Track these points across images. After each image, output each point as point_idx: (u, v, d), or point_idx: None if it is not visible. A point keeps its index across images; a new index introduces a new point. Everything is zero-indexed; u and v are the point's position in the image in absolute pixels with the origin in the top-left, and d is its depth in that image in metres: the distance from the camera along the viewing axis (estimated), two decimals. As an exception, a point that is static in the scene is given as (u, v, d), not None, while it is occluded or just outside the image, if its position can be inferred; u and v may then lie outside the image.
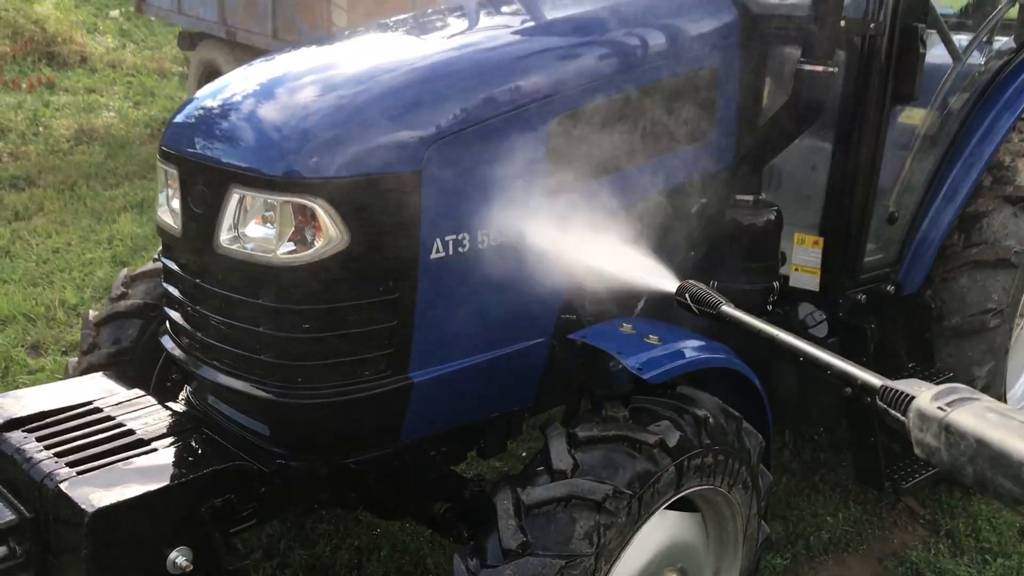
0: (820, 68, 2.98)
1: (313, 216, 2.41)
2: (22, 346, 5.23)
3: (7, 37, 13.45)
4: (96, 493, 2.22)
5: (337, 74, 2.71)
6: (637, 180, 3.10)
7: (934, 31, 3.46)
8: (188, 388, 2.98)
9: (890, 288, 3.64)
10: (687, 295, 2.66)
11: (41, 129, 9.71)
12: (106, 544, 2.19)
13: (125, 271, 3.59)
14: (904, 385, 1.44)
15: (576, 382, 2.81)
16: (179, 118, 2.76)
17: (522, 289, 2.83)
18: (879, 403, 1.47)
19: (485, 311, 2.76)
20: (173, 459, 2.42)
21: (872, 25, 3.13)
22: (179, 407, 2.90)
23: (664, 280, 2.81)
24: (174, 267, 2.75)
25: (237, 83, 2.77)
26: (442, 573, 3.49)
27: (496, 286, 2.76)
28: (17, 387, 4.79)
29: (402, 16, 3.63)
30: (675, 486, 2.42)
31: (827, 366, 1.96)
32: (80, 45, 13.71)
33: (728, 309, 2.49)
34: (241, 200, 2.48)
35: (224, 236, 2.52)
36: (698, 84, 3.19)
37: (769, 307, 3.29)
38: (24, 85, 9.42)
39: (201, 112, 2.70)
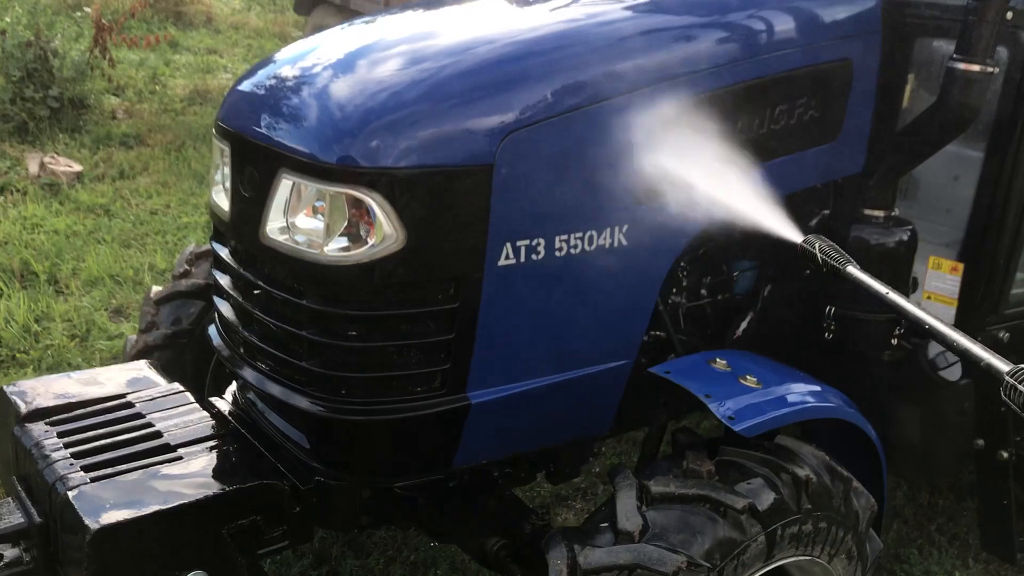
0: (977, 67, 2.51)
1: (367, 211, 2.11)
2: (105, 309, 5.15)
3: (138, -6, 13.76)
4: (104, 506, 1.99)
5: (423, 46, 2.39)
6: (748, 185, 2.70)
7: None
8: (236, 384, 2.75)
9: (1040, 326, 3.13)
10: (815, 246, 2.40)
11: (158, 88, 9.77)
12: (109, 563, 1.97)
13: (191, 247, 3.39)
14: None
15: (658, 419, 2.44)
16: (237, 90, 2.50)
17: (602, 305, 2.50)
18: (1007, 379, 1.50)
19: (558, 328, 2.43)
20: (196, 472, 2.18)
21: (1046, 19, 2.64)
22: (223, 404, 2.67)
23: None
24: (222, 254, 2.51)
25: (306, 52, 2.49)
26: (501, 600, 3.19)
27: (572, 300, 2.42)
28: (95, 352, 4.71)
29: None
30: (765, 557, 2.05)
31: (951, 342, 1.93)
32: (207, 5, 13.89)
33: (854, 270, 2.26)
34: (294, 187, 2.20)
35: (271, 225, 2.25)
36: (829, 78, 2.77)
37: (894, 340, 2.85)
38: (143, 43, 9.48)
39: (260, 85, 2.44)
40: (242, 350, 2.46)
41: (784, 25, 2.70)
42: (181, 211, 6.66)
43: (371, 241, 2.12)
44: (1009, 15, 2.58)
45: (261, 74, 2.46)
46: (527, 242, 2.29)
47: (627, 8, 2.61)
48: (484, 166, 2.16)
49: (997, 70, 2.54)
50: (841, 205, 2.92)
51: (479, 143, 2.16)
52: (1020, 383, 1.41)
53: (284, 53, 2.58)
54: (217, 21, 13.09)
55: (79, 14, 9.57)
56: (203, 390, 2.99)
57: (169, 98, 9.53)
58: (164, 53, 11.04)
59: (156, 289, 3.33)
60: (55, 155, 7.33)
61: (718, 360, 2.22)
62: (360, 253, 2.13)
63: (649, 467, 2.13)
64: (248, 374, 2.41)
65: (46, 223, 6.18)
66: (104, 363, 4.57)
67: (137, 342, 3.21)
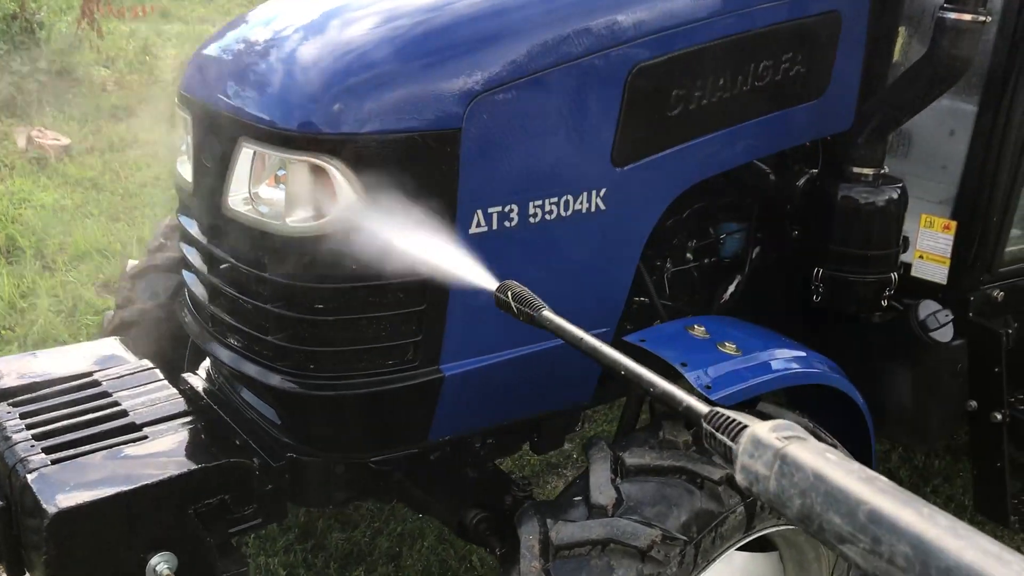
0: (968, 17, 2.40)
1: (329, 179, 2.04)
2: (92, 284, 5.10)
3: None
4: (64, 489, 1.93)
5: (394, 5, 2.29)
6: (731, 144, 2.62)
7: None
8: (209, 359, 2.69)
9: (1036, 284, 3.05)
10: (508, 293, 1.91)
11: (148, 59, 9.65)
12: (70, 548, 1.92)
13: (167, 219, 3.32)
14: (737, 414, 1.31)
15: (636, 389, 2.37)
16: (197, 58, 2.41)
17: (580, 272, 2.42)
18: (705, 426, 1.33)
19: (537, 295, 2.35)
20: (161, 451, 2.12)
21: (1041, -35, 2.53)
22: (196, 380, 2.61)
23: None
24: (188, 227, 2.43)
25: (270, 16, 2.39)
26: (488, 571, 3.16)
27: (548, 268, 2.35)
28: (82, 328, 4.66)
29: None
30: (745, 528, 1.99)
31: (649, 385, 1.58)
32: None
33: (548, 314, 1.84)
34: (255, 156, 2.12)
35: (233, 196, 2.18)
36: (815, 32, 2.66)
37: (884, 302, 2.77)
38: (132, 13, 9.35)
39: (220, 51, 2.35)
40: (210, 325, 2.39)
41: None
42: (171, 182, 6.57)
43: (333, 211, 2.05)
44: (1001, -39, 2.48)
45: (222, 40, 2.38)
46: (499, 208, 2.21)
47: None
48: (452, 130, 2.08)
49: (990, 19, 2.43)
50: (830, 163, 2.82)
51: (447, 106, 2.07)
52: (718, 429, 1.27)
53: (247, 16, 2.48)
54: (208, -10, 12.93)
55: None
56: (183, 365, 2.94)
57: (160, 69, 9.42)
58: (155, 23, 10.90)
59: (132, 263, 3.27)
60: (42, 129, 7.24)
61: (696, 327, 2.14)
62: (322, 223, 2.05)
63: (625, 438, 2.07)
64: (216, 350, 2.35)
65: (33, 198, 6.11)
66: (91, 339, 4.52)
67: (114, 318, 3.16)
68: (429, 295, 2.18)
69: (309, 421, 2.30)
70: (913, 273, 2.92)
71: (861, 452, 2.37)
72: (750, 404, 2.15)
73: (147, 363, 2.49)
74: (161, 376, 2.45)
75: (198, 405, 2.47)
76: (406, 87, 2.06)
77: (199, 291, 2.43)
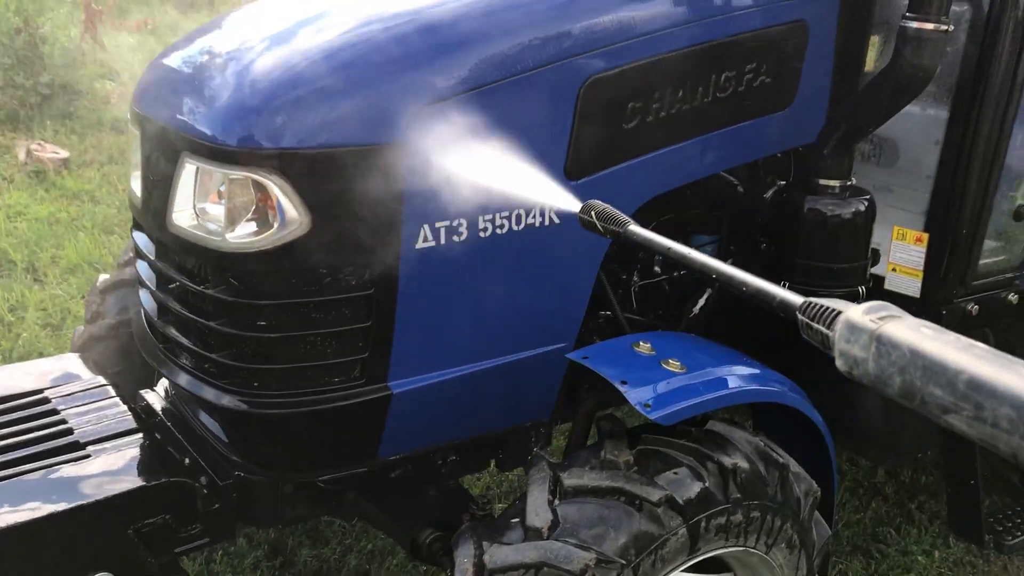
0: (931, 26, 2.36)
1: (269, 195, 2.02)
2: (82, 297, 5.10)
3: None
4: (-2, 509, 1.92)
5: (341, 18, 2.27)
6: (693, 156, 2.58)
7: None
8: (166, 375, 2.67)
9: (1012, 298, 2.98)
10: (592, 212, 2.00)
11: (152, 71, 9.68)
12: (3, 569, 1.90)
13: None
14: (831, 302, 1.35)
15: (585, 406, 2.33)
16: (148, 72, 2.40)
17: (535, 287, 2.39)
18: (800, 317, 1.38)
19: (486, 312, 2.32)
20: (103, 470, 2.10)
21: (1007, -30, 2.48)
22: (154, 397, 2.60)
23: None
24: (140, 243, 2.42)
25: (219, 30, 2.39)
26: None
27: (501, 283, 2.32)
28: (68, 342, 4.66)
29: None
30: (688, 550, 1.94)
31: (741, 284, 1.66)
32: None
33: (635, 228, 1.95)
34: (198, 172, 2.11)
35: (177, 213, 2.16)
36: (779, 42, 2.62)
37: (853, 316, 2.71)
38: (136, 25, 9.41)
39: (169, 65, 2.34)
40: (160, 343, 2.37)
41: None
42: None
43: (274, 227, 2.03)
44: (965, -32, 2.43)
45: (170, 56, 2.37)
46: (447, 223, 2.18)
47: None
48: (396, 144, 2.06)
49: (952, 28, 2.38)
50: (800, 175, 2.78)
51: (389, 120, 2.05)
52: (813, 319, 1.31)
53: (197, 32, 2.47)
54: (219, 3, 12.98)
55: (70, -1, 9.52)
56: (151, 381, 2.92)
57: (163, 81, 9.45)
58: (163, 35, 10.95)
59: (103, 278, 3.26)
60: (42, 142, 7.28)
61: (643, 344, 2.10)
62: (263, 239, 2.03)
63: (567, 458, 2.03)
64: (166, 368, 2.33)
65: (29, 211, 6.14)
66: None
67: (83, 333, 3.15)
68: (375, 311, 2.16)
69: (256, 440, 2.27)
70: (886, 286, 2.86)
71: (823, 472, 2.32)
72: (700, 423, 2.11)
73: (100, 380, 2.48)
74: (113, 394, 2.43)
75: (150, 423, 2.46)
76: (347, 101, 2.04)
77: (150, 307, 2.42)
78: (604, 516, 1.84)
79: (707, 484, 1.93)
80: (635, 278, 2.89)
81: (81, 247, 5.58)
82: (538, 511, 1.85)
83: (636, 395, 1.91)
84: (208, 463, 2.32)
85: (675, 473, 1.93)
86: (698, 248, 2.91)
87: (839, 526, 3.46)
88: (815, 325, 1.33)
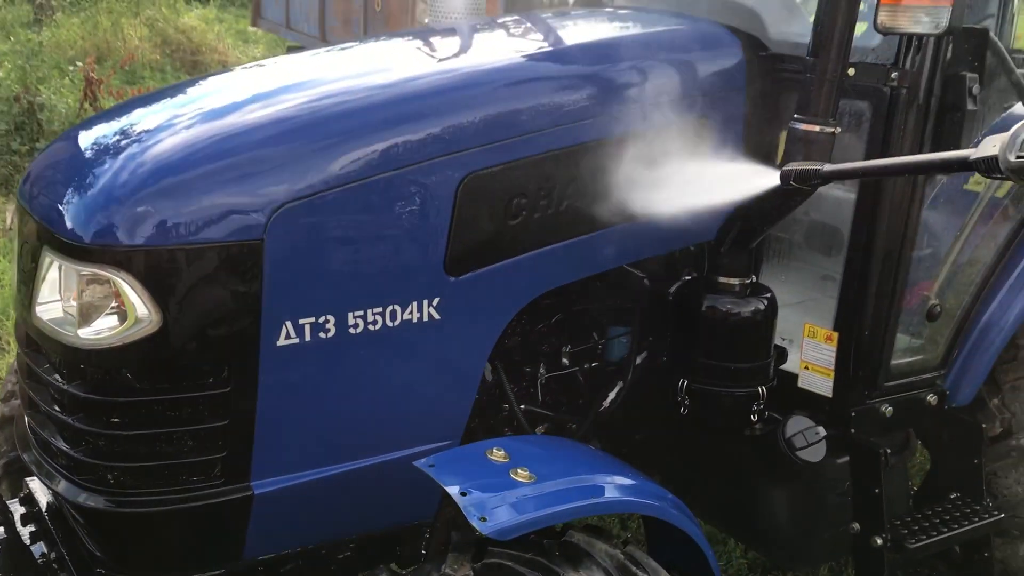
0: (817, 128, 2.33)
1: (120, 292, 2.00)
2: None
3: (156, 46, 14.01)
4: None
5: (224, 111, 2.28)
6: (585, 252, 2.55)
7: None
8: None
9: (932, 398, 2.90)
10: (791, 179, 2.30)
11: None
12: None
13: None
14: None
15: (443, 512, 2.27)
16: (35, 163, 2.42)
17: (413, 384, 2.35)
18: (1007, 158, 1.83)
19: (358, 410, 2.29)
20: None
21: (895, 75, 2.45)
22: (38, 485, 2.55)
23: None
24: (17, 334, 2.41)
25: (101, 122, 2.40)
26: None
27: (375, 380, 2.29)
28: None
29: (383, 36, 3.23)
30: (527, 668, 1.86)
31: (928, 164, 2.23)
32: (222, 54, 14.12)
33: (830, 167, 2.27)
34: (58, 267, 2.10)
35: (39, 307, 2.15)
36: (679, 139, 2.60)
37: (754, 416, 2.65)
38: (133, 93, 9.59)
39: (49, 157, 2.36)
40: (30, 434, 2.35)
41: (623, 85, 2.56)
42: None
43: (125, 324, 2.01)
44: (851, 71, 2.41)
45: (50, 148, 2.40)
46: (313, 320, 2.15)
47: (433, 71, 2.49)
48: (253, 242, 2.04)
49: (839, 130, 2.36)
50: (694, 274, 2.75)
51: (246, 218, 2.04)
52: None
53: (79, 127, 2.48)
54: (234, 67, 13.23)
55: (71, 68, 9.73)
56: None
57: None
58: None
59: (22, 357, 3.25)
60: (27, 208, 7.37)
61: (496, 450, 2.04)
62: (113, 336, 2.02)
63: (413, 571, 1.97)
64: (33, 461, 2.31)
65: (4, 277, 6.19)
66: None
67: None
68: (233, 409, 2.12)
69: (113, 539, 2.23)
70: (800, 384, 2.80)
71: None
72: (558, 535, 2.04)
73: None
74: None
75: (27, 513, 2.42)
76: (202, 199, 2.03)
77: (23, 395, 2.40)
78: (434, 634, 1.77)
79: (550, 602, 1.85)
80: (541, 370, 2.84)
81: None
82: (369, 630, 1.78)
83: (473, 508, 1.85)
84: (75, 559, 2.28)
85: (517, 590, 1.86)
86: (612, 340, 2.93)
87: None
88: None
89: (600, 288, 2.80)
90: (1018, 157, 1.83)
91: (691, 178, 2.56)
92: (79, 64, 9.43)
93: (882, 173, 2.46)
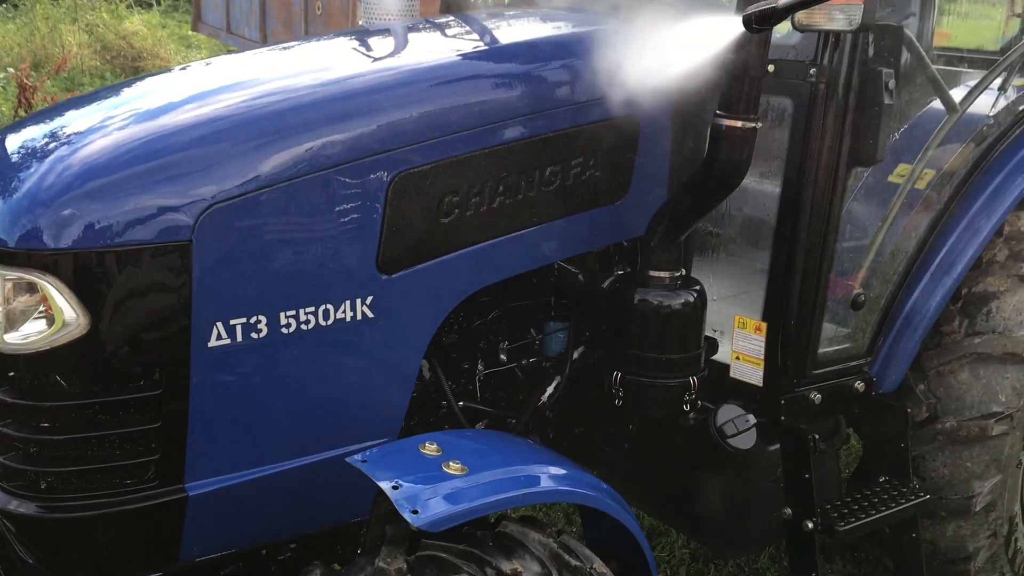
0: (739, 123, 2.38)
1: (47, 296, 1.99)
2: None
3: (96, 52, 13.81)
4: None
5: (156, 111, 2.28)
6: (519, 248, 2.58)
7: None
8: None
9: (859, 385, 2.99)
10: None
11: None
12: None
13: None
14: None
15: (379, 506, 2.29)
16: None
17: (348, 382, 2.37)
18: None
19: (292, 409, 2.30)
20: None
21: (813, 71, 2.53)
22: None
23: None
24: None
25: (30, 125, 2.40)
26: None
27: (308, 379, 2.30)
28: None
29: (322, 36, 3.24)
30: (462, 662, 1.89)
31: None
32: (164, 59, 13.94)
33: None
34: (-15, 272, 2.08)
35: (-34, 312, 2.13)
36: (607, 137, 2.64)
37: (687, 406, 2.70)
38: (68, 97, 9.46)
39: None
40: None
41: (553, 84, 2.60)
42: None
43: (53, 328, 2.00)
44: (771, 68, 2.48)
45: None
46: (244, 320, 2.16)
47: (365, 71, 2.51)
48: (181, 243, 2.05)
49: (760, 125, 2.41)
50: (626, 269, 2.80)
51: (173, 219, 2.04)
52: None
53: (20, 124, 2.47)
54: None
55: (2, 75, 9.56)
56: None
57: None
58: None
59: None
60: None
61: (429, 444, 2.07)
62: (41, 340, 2.01)
63: (348, 567, 1.98)
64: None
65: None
66: None
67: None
68: (165, 411, 2.12)
69: (45, 544, 2.21)
70: (732, 374, 2.86)
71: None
72: (492, 526, 2.07)
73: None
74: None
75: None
76: (130, 201, 2.03)
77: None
78: (367, 628, 1.79)
79: (485, 591, 1.88)
80: (479, 367, 2.87)
81: None
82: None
83: (405, 501, 1.88)
84: (6, 568, 2.26)
85: (452, 580, 1.89)
86: (549, 336, 2.97)
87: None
88: None
89: (536, 284, 2.84)
90: None
91: (622, 174, 2.61)
92: (11, 71, 9.27)
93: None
